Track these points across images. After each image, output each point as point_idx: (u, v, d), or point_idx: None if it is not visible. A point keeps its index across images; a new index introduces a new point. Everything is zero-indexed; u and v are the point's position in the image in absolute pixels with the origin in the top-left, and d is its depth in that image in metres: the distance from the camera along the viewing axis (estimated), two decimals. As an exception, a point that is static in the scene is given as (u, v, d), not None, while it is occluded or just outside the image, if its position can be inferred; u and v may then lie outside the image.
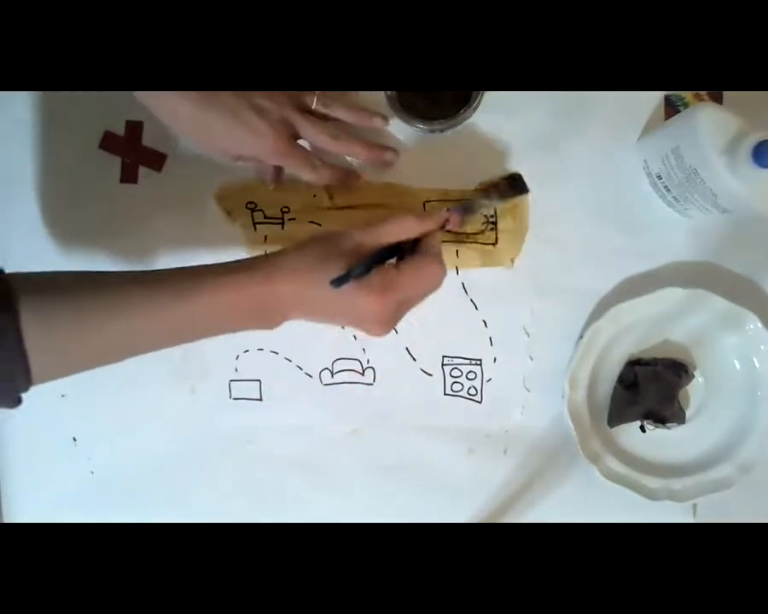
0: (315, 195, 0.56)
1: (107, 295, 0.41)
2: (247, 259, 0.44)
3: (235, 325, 0.44)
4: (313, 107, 0.52)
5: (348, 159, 0.56)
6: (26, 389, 0.40)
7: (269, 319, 0.45)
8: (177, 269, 0.43)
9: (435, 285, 0.45)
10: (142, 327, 0.42)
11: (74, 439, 0.57)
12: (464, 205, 0.47)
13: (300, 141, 0.52)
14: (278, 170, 0.55)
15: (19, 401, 0.40)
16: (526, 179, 0.54)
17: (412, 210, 0.43)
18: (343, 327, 0.55)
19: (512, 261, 0.56)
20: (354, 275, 0.41)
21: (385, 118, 0.54)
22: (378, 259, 0.43)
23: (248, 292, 0.42)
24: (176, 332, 0.43)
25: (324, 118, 0.53)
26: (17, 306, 0.38)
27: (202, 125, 0.49)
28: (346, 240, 0.43)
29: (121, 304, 0.41)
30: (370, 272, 0.42)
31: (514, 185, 0.53)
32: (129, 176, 0.57)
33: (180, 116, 0.48)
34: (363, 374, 0.57)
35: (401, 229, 0.44)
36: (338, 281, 0.41)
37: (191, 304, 0.42)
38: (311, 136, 0.52)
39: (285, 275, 0.43)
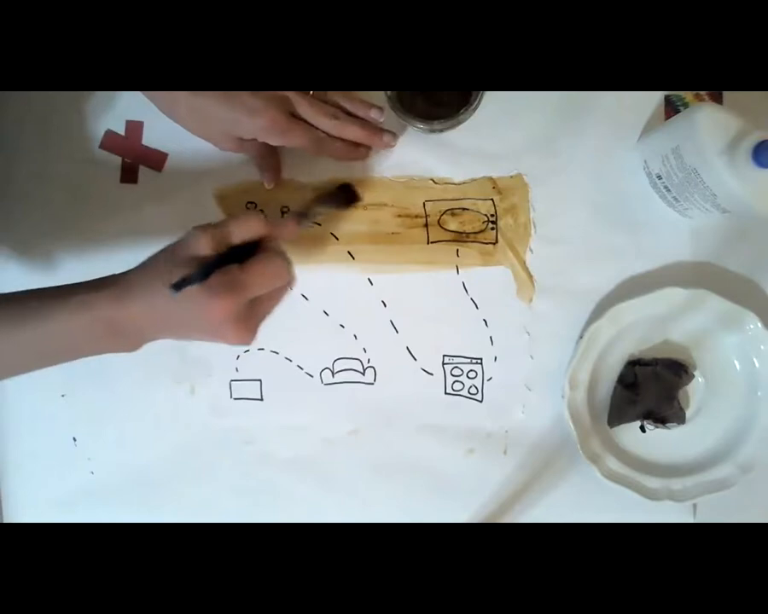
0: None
1: None
2: (97, 279, 0.43)
3: (91, 348, 0.44)
4: (311, 94, 0.52)
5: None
6: None
7: (125, 341, 0.44)
8: (29, 291, 0.43)
9: (282, 279, 0.43)
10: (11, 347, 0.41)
11: (74, 439, 0.57)
12: (300, 212, 0.47)
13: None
14: (277, 166, 0.55)
15: None
16: (354, 187, 0.54)
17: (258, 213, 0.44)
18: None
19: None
20: (194, 279, 0.39)
21: (381, 110, 0.54)
22: (219, 262, 0.41)
23: (98, 314, 0.41)
24: (28, 356, 0.43)
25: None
26: None
27: (199, 110, 0.50)
28: (189, 246, 0.41)
29: None
30: (210, 275, 0.40)
31: (347, 195, 0.53)
32: (129, 176, 0.57)
33: (177, 103, 0.49)
34: (363, 374, 0.57)
35: (243, 229, 0.42)
36: (176, 286, 0.39)
37: (41, 328, 0.41)
38: (309, 116, 0.52)
39: (132, 292, 0.41)
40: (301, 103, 0.51)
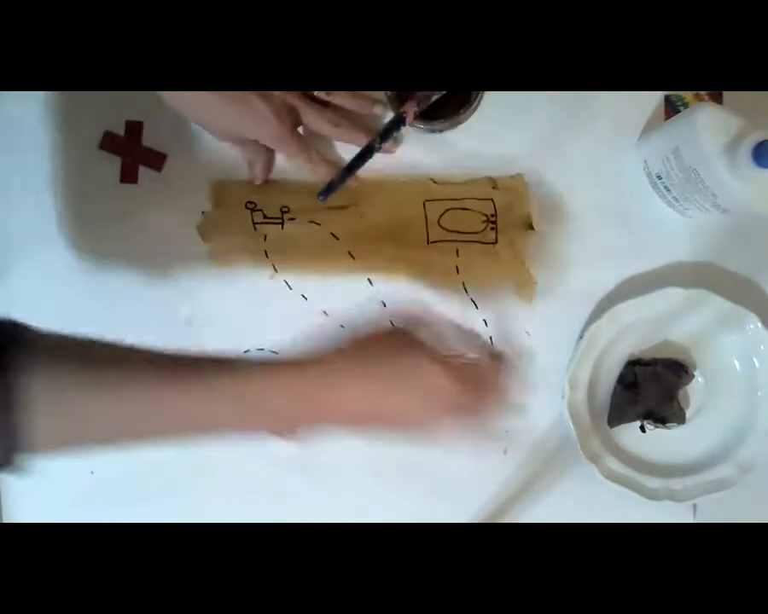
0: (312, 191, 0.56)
1: (131, 369, 0.40)
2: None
3: (256, 420, 0.44)
4: (315, 94, 0.53)
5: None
6: (25, 454, 0.38)
7: (294, 417, 0.44)
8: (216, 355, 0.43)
9: (489, 399, 0.49)
10: (163, 407, 0.41)
11: (74, 439, 0.56)
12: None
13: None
14: (268, 163, 0.55)
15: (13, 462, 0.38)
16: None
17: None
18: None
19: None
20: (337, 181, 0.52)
21: (385, 106, 0.54)
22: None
23: (294, 386, 0.42)
24: (201, 417, 0.42)
25: (326, 105, 0.53)
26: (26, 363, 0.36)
27: (205, 107, 0.50)
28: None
29: (146, 381, 0.40)
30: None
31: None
32: (129, 176, 0.57)
33: (182, 96, 0.49)
34: (363, 374, 0.57)
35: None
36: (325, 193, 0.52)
37: (231, 386, 0.41)
38: (313, 123, 0.53)
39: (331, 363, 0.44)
40: (306, 111, 0.52)
